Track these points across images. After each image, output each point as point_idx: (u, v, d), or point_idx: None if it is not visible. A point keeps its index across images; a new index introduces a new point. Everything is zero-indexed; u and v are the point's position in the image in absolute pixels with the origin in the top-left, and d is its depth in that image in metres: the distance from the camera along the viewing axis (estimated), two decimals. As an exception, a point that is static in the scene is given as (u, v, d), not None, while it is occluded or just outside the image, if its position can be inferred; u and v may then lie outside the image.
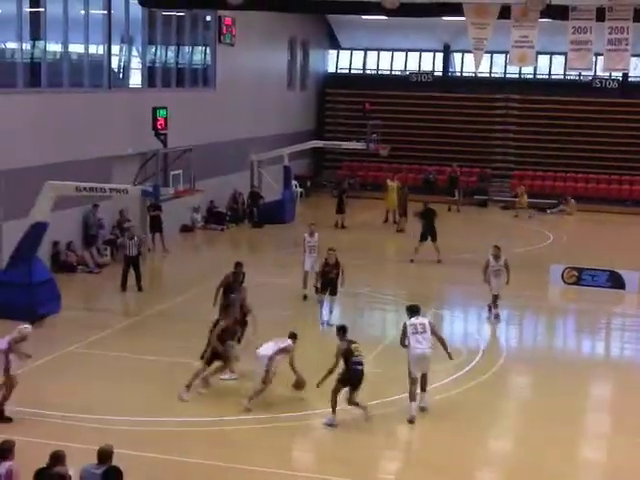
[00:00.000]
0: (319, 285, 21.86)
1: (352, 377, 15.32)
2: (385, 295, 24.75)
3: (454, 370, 18.17)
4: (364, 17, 40.51)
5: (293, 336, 16.39)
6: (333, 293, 21.62)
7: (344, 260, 22.04)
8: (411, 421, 15.57)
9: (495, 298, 22.36)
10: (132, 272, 24.17)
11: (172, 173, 22.36)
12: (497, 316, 22.34)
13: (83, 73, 27.63)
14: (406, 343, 15.90)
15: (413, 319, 16.11)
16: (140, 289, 24.18)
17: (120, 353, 18.85)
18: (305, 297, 23.54)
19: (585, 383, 18.59)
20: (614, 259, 27.83)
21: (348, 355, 15.31)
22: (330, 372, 15.43)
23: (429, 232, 28.61)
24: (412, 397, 15.75)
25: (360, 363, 15.36)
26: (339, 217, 34.84)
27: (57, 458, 10.47)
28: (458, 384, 17.57)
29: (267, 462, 13.93)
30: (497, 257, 22.20)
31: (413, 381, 15.84)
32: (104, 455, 10.64)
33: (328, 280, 21.55)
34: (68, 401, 16.07)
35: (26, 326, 15.55)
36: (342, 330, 15.79)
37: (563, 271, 26.31)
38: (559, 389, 17.71)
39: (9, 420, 15.01)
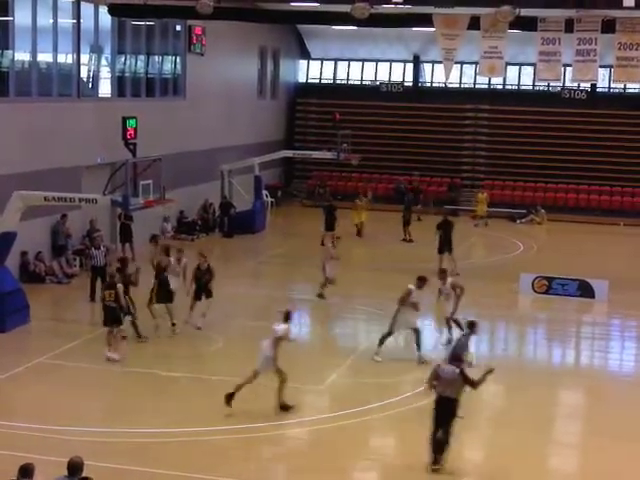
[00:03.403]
0: (192, 290, 21.60)
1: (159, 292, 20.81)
2: (357, 305, 24.72)
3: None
4: (334, 27, 40.65)
5: (287, 317, 16.84)
6: (209, 296, 21.57)
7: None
8: None
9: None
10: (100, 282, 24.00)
11: (142, 183, 22.24)
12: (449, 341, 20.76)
13: (52, 82, 27.46)
14: None
15: None
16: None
17: (89, 364, 18.67)
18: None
19: (555, 391, 18.66)
20: (584, 268, 28.00)
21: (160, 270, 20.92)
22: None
23: (446, 244, 28.51)
24: None
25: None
26: (329, 234, 31.50)
27: (25, 471, 10.34)
28: (430, 393, 17.59)
29: (237, 472, 13.86)
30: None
31: None
32: (74, 467, 10.52)
33: (201, 285, 21.47)
34: (38, 413, 15.93)
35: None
36: (166, 249, 21.55)
37: (533, 280, 26.42)
38: (529, 397, 17.77)
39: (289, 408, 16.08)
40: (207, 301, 21.49)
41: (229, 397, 16.14)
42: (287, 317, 16.72)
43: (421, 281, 19.75)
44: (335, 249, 25.03)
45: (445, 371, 14.10)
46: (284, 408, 16.27)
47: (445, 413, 13.96)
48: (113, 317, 19.04)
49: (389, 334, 19.65)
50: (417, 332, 19.66)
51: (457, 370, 14.07)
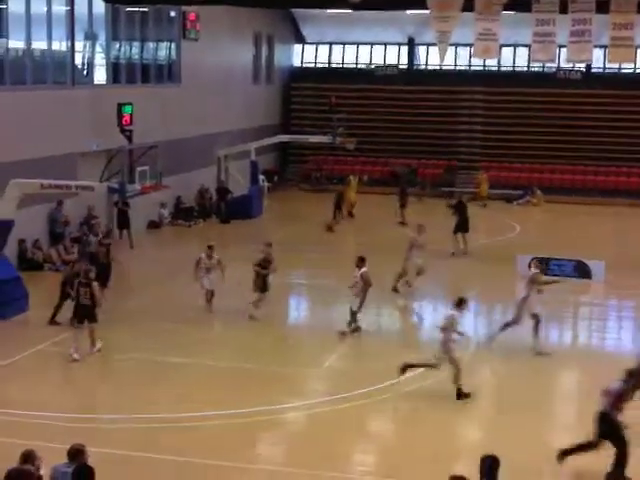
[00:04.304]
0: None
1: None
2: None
3: (425, 360, 18.32)
4: (329, 11, 40.56)
5: (459, 303, 16.81)
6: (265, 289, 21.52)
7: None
8: None
9: None
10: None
11: (138, 169, 22.28)
12: None
13: (46, 70, 27.43)
14: None
15: None
16: (105, 286, 23.89)
17: (88, 351, 18.71)
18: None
19: (554, 372, 18.72)
20: (580, 249, 28.06)
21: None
22: None
23: (463, 224, 29.05)
24: None
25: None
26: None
27: (27, 457, 10.41)
28: (432, 374, 17.66)
29: (237, 457, 13.93)
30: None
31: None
32: (74, 453, 10.59)
33: (266, 276, 21.52)
34: (39, 400, 16.01)
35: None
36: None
37: (530, 261, 26.42)
38: (528, 377, 17.85)
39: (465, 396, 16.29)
40: (263, 294, 21.45)
41: (404, 369, 16.53)
42: (459, 304, 16.69)
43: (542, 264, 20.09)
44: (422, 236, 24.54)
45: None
46: (461, 396, 16.39)
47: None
48: (87, 314, 18.57)
49: (514, 322, 19.52)
50: (537, 318, 19.52)
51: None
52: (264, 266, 21.47)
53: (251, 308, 21.22)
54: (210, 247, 21.80)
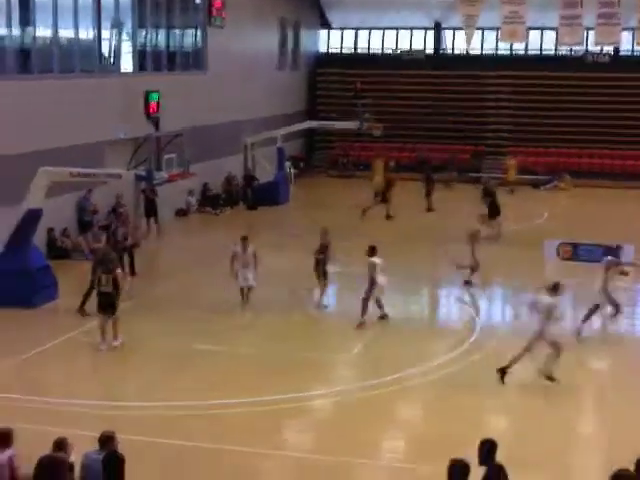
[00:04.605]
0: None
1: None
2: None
3: (454, 347, 18.29)
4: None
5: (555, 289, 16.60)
6: (325, 276, 21.47)
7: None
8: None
9: None
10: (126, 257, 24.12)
11: (165, 157, 22.32)
12: None
13: (73, 58, 27.51)
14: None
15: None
16: (133, 273, 23.96)
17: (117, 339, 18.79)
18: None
19: (582, 357, 18.61)
20: (609, 233, 27.86)
21: None
22: None
23: (495, 209, 29.11)
24: None
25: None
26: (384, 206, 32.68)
27: (60, 444, 10.48)
28: (458, 360, 17.64)
29: (266, 444, 13.95)
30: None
31: None
32: (105, 440, 10.66)
33: (324, 262, 21.44)
34: (71, 387, 16.14)
35: None
36: None
37: (558, 246, 26.32)
38: (560, 363, 17.73)
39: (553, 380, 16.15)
40: (326, 281, 21.41)
41: (502, 372, 16.28)
42: (554, 289, 16.53)
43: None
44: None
45: None
46: (549, 379, 16.30)
47: None
48: (108, 303, 18.41)
49: (597, 307, 19.50)
50: (598, 307, 19.50)
51: None
52: (322, 252, 21.32)
53: (319, 298, 21.33)
54: (244, 239, 21.19)
